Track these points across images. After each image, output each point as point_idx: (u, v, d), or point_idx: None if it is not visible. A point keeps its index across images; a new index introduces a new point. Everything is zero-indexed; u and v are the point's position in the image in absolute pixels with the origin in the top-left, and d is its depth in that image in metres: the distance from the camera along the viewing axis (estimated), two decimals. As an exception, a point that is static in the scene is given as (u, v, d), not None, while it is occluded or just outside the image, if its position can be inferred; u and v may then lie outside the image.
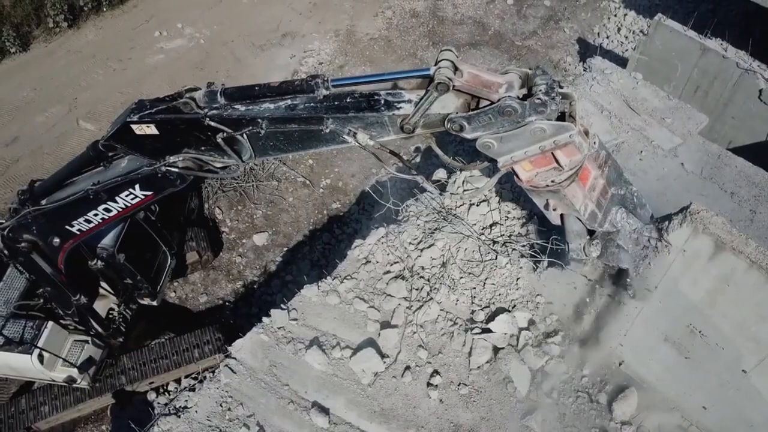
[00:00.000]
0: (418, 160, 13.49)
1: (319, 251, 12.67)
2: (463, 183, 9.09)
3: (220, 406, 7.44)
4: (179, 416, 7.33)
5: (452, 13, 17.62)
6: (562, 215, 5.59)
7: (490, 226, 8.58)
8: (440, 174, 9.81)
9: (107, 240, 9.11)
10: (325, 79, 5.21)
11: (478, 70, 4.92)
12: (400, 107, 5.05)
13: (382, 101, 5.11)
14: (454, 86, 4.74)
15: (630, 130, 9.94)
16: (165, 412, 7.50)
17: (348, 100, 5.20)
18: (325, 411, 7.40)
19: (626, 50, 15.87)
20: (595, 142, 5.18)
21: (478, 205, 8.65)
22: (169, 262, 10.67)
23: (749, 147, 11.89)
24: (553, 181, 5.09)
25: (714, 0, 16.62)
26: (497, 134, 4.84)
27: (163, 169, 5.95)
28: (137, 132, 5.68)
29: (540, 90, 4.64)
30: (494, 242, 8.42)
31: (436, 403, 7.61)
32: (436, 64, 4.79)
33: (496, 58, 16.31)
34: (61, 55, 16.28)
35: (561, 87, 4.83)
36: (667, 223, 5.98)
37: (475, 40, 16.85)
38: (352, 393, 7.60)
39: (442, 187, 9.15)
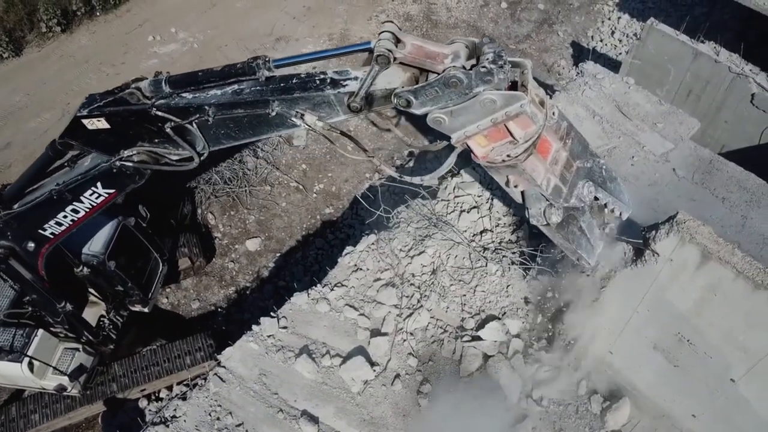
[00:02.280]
0: (411, 165, 13.48)
1: (312, 257, 12.62)
2: (454, 189, 9.07)
3: (209, 415, 7.41)
4: (168, 426, 7.30)
5: (446, 16, 17.59)
6: (523, 192, 5.21)
7: (481, 233, 8.57)
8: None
9: (98, 247, 9.03)
10: (267, 59, 5.03)
11: (423, 41, 4.70)
12: (346, 84, 4.86)
13: (328, 80, 4.93)
14: (395, 58, 4.55)
15: (622, 136, 9.92)
16: (154, 421, 7.47)
17: (293, 81, 5.02)
18: (314, 420, 7.38)
19: (620, 53, 15.86)
20: (553, 113, 4.89)
21: (468, 212, 8.63)
22: (160, 269, 10.61)
23: (742, 151, 11.88)
24: (509, 156, 4.77)
25: (707, 3, 16.61)
26: (447, 108, 4.59)
27: (118, 164, 5.80)
28: (89, 127, 5.54)
29: (486, 59, 4.38)
30: (485, 249, 8.40)
31: (426, 411, 7.58)
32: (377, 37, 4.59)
33: (490, 62, 16.26)
34: (54, 60, 16.23)
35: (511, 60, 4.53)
36: (654, 232, 5.97)
37: (469, 44, 16.84)
38: (341, 401, 7.58)
39: (432, 194, 9.13)
